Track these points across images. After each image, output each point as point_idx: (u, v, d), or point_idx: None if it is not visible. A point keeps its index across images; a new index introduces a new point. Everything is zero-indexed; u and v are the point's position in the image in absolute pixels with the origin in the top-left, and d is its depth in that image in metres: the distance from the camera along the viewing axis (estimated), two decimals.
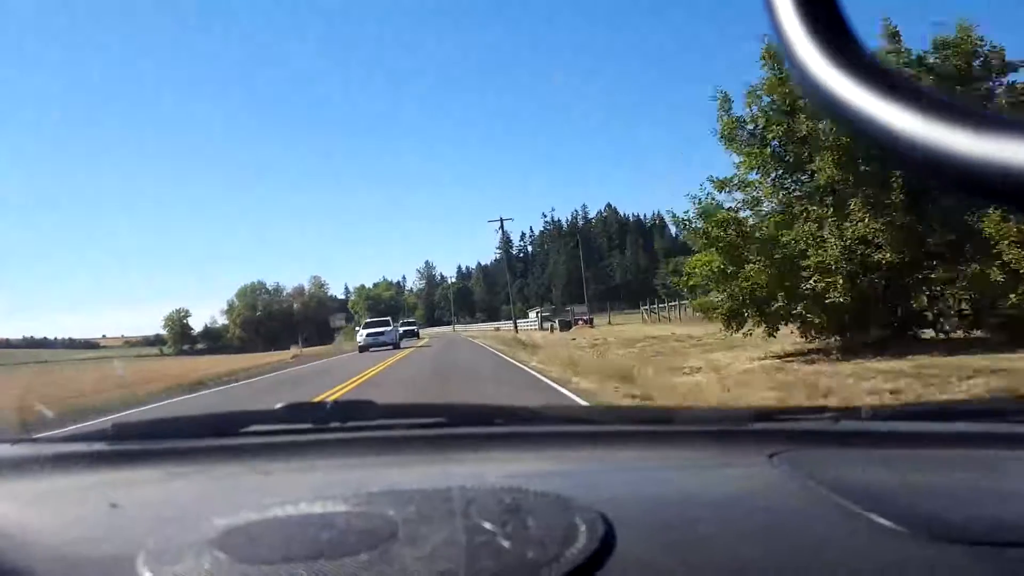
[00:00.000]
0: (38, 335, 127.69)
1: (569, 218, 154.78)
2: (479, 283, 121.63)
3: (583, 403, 6.55)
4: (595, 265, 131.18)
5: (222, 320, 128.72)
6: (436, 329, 71.85)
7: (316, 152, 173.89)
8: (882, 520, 0.65)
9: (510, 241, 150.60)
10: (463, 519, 0.63)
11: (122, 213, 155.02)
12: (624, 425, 1.22)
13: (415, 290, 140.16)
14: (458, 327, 48.97)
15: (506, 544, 0.58)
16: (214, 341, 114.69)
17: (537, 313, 69.70)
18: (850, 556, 0.62)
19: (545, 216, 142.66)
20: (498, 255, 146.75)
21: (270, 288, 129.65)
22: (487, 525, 0.62)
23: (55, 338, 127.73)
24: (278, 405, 1.15)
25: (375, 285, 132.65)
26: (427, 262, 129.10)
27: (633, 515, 0.68)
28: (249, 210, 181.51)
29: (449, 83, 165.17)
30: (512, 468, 0.95)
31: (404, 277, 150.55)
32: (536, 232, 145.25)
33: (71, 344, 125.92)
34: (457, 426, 1.16)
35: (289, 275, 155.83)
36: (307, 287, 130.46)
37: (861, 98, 0.29)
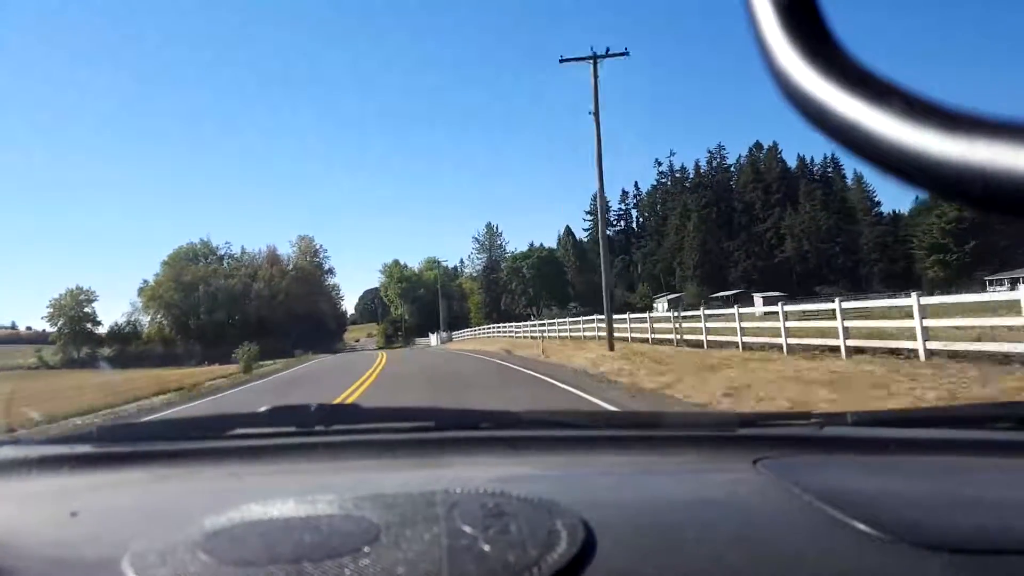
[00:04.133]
0: None
1: (700, 165, 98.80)
2: (570, 257, 64.96)
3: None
4: (745, 231, 73.73)
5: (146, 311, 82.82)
6: (492, 332, 45.22)
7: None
8: (864, 527, 0.69)
9: (605, 207, 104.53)
10: (446, 523, 0.67)
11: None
12: (610, 430, 1.34)
13: (473, 271, 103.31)
14: (540, 327, 32.67)
15: (487, 548, 0.61)
16: (125, 344, 56.87)
17: (668, 304, 52.87)
18: (832, 563, 0.65)
19: (660, 164, 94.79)
20: (589, 224, 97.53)
21: (219, 251, 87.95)
22: (469, 529, 0.65)
23: None
24: (263, 408, 1.24)
25: (425, 263, 76.31)
26: (490, 225, 76.40)
27: (615, 520, 0.72)
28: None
29: None
30: (497, 472, 1.03)
31: (461, 261, 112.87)
32: (645, 190, 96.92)
33: None
34: (443, 430, 1.25)
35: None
36: (289, 253, 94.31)
37: (844, 103, 0.29)
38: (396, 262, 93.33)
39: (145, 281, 79.40)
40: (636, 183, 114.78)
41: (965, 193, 0.25)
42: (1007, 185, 0.24)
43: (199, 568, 0.61)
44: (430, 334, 61.03)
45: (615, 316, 20.79)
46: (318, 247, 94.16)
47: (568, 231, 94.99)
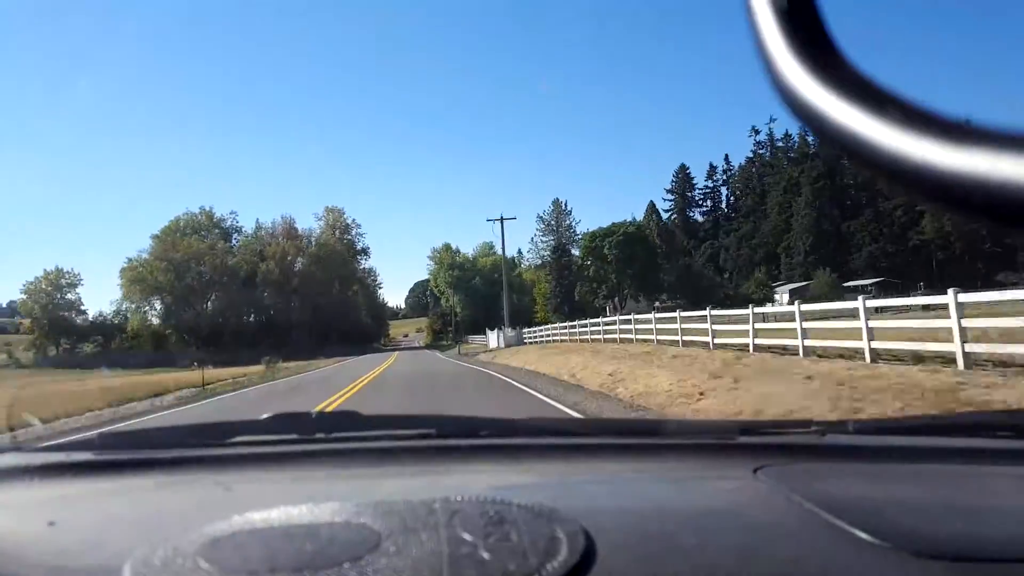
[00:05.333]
0: None
1: (807, 133, 74.86)
2: (654, 239, 49.56)
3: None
4: (870, 209, 51.99)
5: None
6: (582, 332, 27.13)
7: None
8: (865, 535, 0.71)
9: (688, 179, 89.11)
10: (446, 530, 0.69)
11: None
12: (610, 438, 1.39)
13: (537, 257, 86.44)
14: (642, 326, 19.33)
15: (487, 556, 0.63)
16: (110, 339, 41.98)
17: (791, 295, 44.05)
18: (833, 571, 0.67)
19: (756, 132, 79.22)
20: (670, 204, 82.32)
21: (225, 224, 72.92)
22: (470, 537, 0.67)
23: None
24: (265, 415, 1.32)
25: (480, 249, 61.44)
26: (557, 202, 60.70)
27: (615, 528, 0.75)
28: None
29: None
30: (497, 480, 1.07)
31: (519, 252, 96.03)
32: (738, 164, 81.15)
33: None
34: (443, 438, 1.31)
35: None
36: (314, 228, 78.12)
37: (844, 112, 0.30)
38: (447, 246, 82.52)
39: (128, 259, 64.31)
40: (727, 156, 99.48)
41: (965, 203, 0.26)
42: (1010, 196, 0.24)
43: None
44: (488, 331, 47.30)
45: (724, 313, 15.05)
46: (350, 222, 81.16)
47: (652, 208, 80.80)
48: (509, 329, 40.98)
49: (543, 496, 0.82)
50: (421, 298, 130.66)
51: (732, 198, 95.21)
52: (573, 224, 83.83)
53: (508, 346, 35.48)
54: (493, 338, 42.77)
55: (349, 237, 79.27)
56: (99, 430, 1.34)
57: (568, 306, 60.52)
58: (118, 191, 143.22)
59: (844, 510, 0.77)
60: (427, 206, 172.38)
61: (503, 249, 52.08)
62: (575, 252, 70.50)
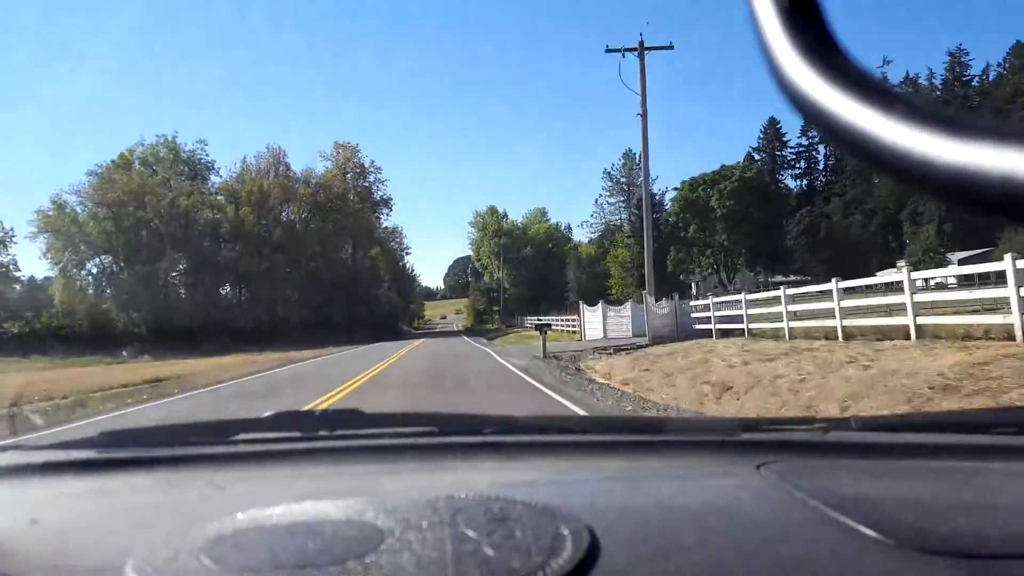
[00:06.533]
0: None
1: (934, 76, 61.10)
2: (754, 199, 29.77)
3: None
4: None
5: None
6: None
7: None
8: (869, 532, 0.73)
9: (779, 136, 75.71)
10: (450, 528, 0.71)
11: None
12: (613, 435, 1.42)
13: (599, 226, 68.59)
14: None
15: (491, 553, 0.64)
16: (38, 316, 22.07)
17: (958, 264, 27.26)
18: (836, 568, 0.68)
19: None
20: (760, 158, 68.66)
21: (196, 159, 50.79)
22: (473, 534, 0.68)
23: None
24: (267, 413, 1.36)
25: (532, 214, 45.62)
26: (629, 154, 42.44)
27: (618, 525, 0.77)
28: None
29: None
30: (500, 477, 1.09)
31: (569, 228, 78.09)
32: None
33: None
34: (446, 435, 1.36)
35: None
36: (316, 168, 55.52)
37: (850, 109, 0.30)
38: (492, 209, 69.97)
39: (53, 201, 43.58)
40: None
41: (975, 199, 0.26)
42: (1021, 190, 0.24)
43: (203, 574, 0.64)
44: (587, 308, 28.16)
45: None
46: (367, 164, 59.56)
47: (749, 157, 66.02)
48: (655, 302, 20.12)
49: (547, 493, 0.84)
50: (461, 277, 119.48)
51: (833, 159, 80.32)
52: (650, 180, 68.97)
53: (655, 338, 18.14)
54: (595, 320, 24.92)
55: (365, 183, 58.60)
56: (102, 428, 1.28)
57: (659, 278, 46.26)
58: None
59: (848, 507, 0.79)
60: (467, 178, 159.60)
61: (642, 101, 22.54)
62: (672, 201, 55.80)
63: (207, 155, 50.25)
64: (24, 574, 0.71)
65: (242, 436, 1.31)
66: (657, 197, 57.76)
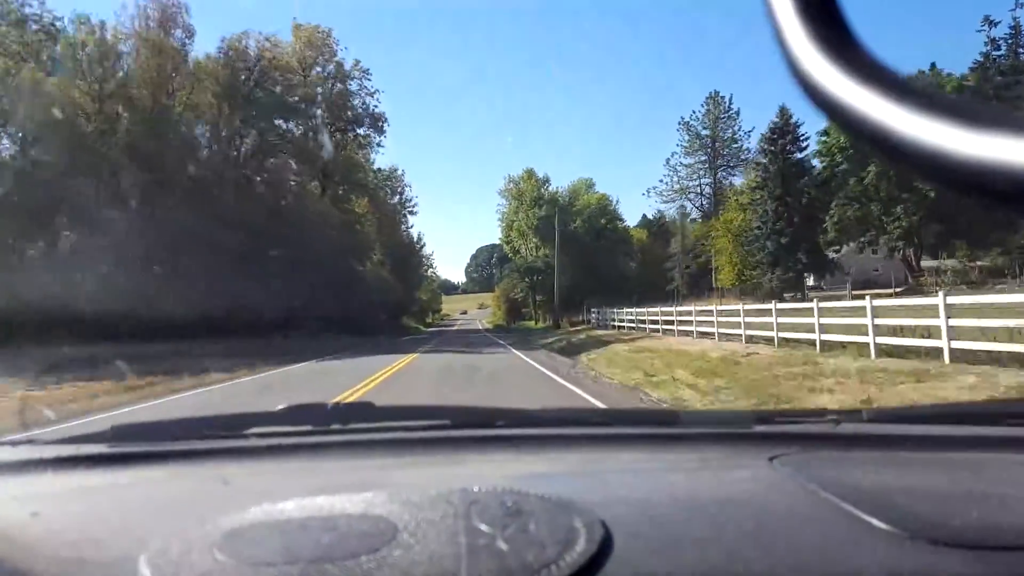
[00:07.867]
0: None
1: None
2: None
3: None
4: None
5: None
6: None
7: None
8: (881, 523, 0.75)
9: None
10: (464, 521, 0.72)
11: None
12: (626, 427, 1.46)
13: (675, 184, 60.13)
14: None
15: (505, 547, 0.66)
16: None
17: None
18: (848, 559, 0.71)
19: (993, 25, 46.84)
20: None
21: (43, 19, 21.63)
22: (487, 527, 0.70)
23: None
24: (280, 407, 1.39)
25: (577, 184, 20.28)
26: (715, 96, 22.76)
27: (632, 518, 0.79)
28: None
29: None
30: (513, 470, 1.14)
31: (617, 200, 58.03)
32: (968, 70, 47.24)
33: None
34: (459, 428, 1.39)
35: None
36: (255, 45, 28.04)
37: (863, 99, 0.30)
38: (530, 173, 53.76)
39: None
40: (933, 65, 67.20)
41: (994, 190, 0.25)
42: None
43: (217, 568, 0.65)
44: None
45: None
46: (351, 64, 39.09)
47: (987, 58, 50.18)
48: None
49: (560, 486, 0.86)
50: (485, 269, 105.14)
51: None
52: (739, 134, 53.47)
53: None
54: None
55: (340, 87, 38.92)
56: (114, 422, 1.25)
57: (795, 253, 30.41)
58: None
59: (860, 498, 0.80)
60: (489, 167, 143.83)
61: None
62: (736, 181, 40.22)
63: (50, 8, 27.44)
64: (40, 567, 0.72)
65: (255, 430, 1.32)
66: (749, 153, 41.77)
